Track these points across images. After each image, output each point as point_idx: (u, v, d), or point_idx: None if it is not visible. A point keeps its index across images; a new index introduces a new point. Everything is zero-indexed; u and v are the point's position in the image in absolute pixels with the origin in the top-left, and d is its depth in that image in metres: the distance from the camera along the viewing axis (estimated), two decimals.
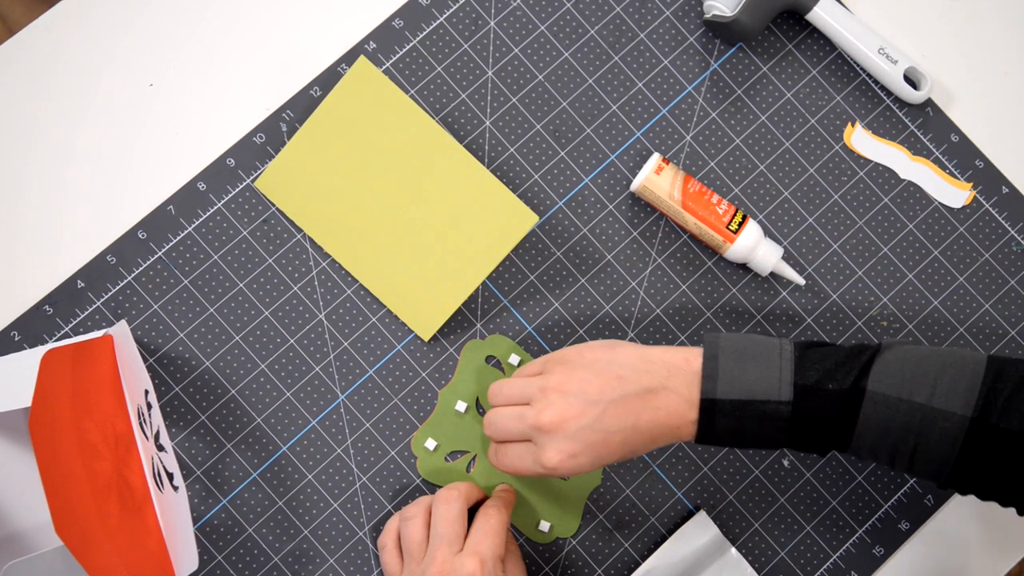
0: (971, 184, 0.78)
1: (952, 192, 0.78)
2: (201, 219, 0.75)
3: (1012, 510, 0.75)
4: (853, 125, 0.79)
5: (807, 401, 0.61)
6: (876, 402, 0.60)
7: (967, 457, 0.60)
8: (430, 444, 0.74)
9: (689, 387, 0.62)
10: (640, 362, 0.63)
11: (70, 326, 0.74)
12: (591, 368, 0.64)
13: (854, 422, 0.61)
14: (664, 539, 0.74)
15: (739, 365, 0.62)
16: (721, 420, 0.62)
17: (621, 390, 0.62)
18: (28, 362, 0.67)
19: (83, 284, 0.74)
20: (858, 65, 0.79)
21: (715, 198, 0.74)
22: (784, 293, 0.77)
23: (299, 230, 0.75)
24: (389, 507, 0.74)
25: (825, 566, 0.75)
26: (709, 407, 0.62)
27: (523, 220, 0.73)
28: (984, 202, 0.78)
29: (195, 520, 0.73)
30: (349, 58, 0.77)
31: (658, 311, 0.76)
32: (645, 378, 0.63)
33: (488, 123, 0.77)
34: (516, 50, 0.78)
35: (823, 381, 0.61)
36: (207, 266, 0.75)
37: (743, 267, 0.77)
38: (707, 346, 0.63)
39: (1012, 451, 0.59)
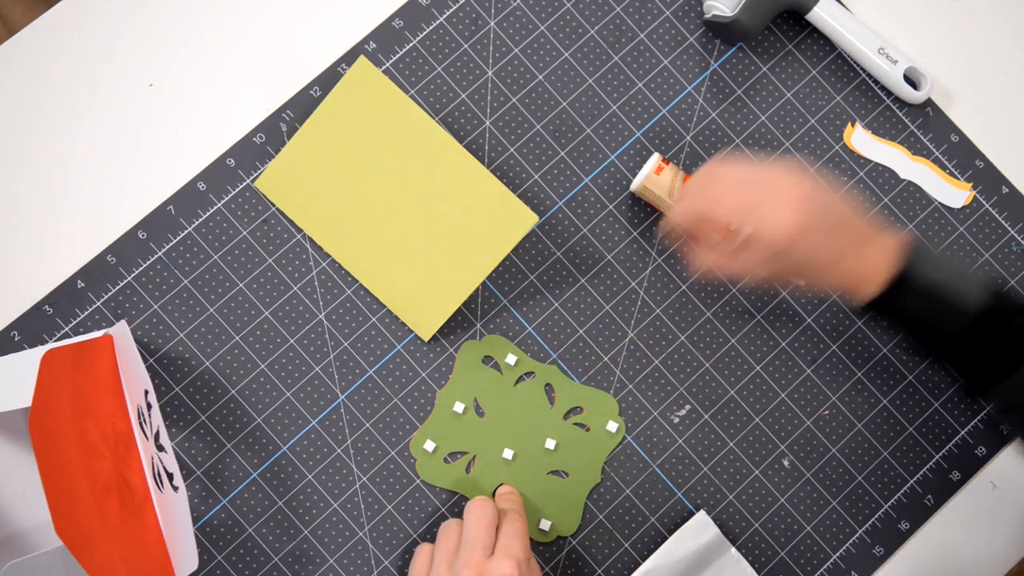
0: (971, 184, 0.78)
1: (952, 192, 0.78)
2: (201, 219, 0.75)
3: (1012, 511, 0.75)
4: (853, 125, 0.79)
5: (1006, 302, 0.65)
6: None
7: None
8: (429, 446, 0.74)
9: (887, 248, 0.67)
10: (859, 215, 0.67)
11: (70, 326, 0.74)
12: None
13: None
14: (664, 539, 0.74)
15: (936, 265, 0.66)
16: (918, 279, 0.65)
17: (848, 210, 0.67)
18: (28, 362, 0.67)
19: (83, 284, 0.74)
20: (858, 65, 0.79)
21: None
22: (784, 293, 0.77)
23: (299, 230, 0.75)
24: (389, 507, 0.74)
25: (825, 566, 0.75)
26: (907, 274, 0.65)
27: (523, 220, 0.73)
28: (984, 202, 0.78)
29: (195, 520, 0.73)
30: (349, 58, 0.77)
31: (658, 311, 0.76)
32: (862, 224, 0.66)
33: (488, 123, 0.77)
34: (516, 50, 0.78)
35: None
36: (207, 266, 0.75)
37: None
38: (905, 245, 0.66)
39: None
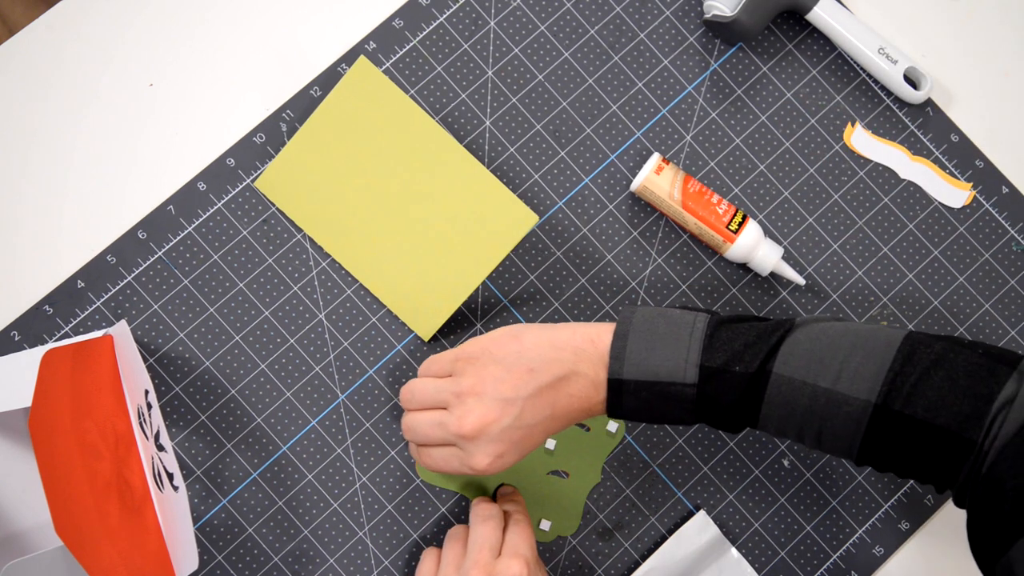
0: (971, 184, 0.78)
1: (952, 192, 0.78)
2: (201, 219, 0.75)
3: None
4: (853, 125, 0.79)
5: (712, 383, 0.61)
6: (780, 385, 0.61)
7: (873, 439, 0.60)
8: None
9: (596, 369, 0.63)
10: (549, 350, 0.63)
11: (70, 326, 0.74)
12: (501, 364, 0.63)
13: (759, 404, 0.62)
14: (664, 539, 0.74)
15: (647, 346, 0.62)
16: (628, 399, 0.62)
17: (535, 383, 0.62)
18: (28, 362, 0.67)
19: (83, 284, 0.74)
20: (858, 65, 0.79)
21: (715, 198, 0.74)
22: (784, 293, 0.77)
23: (299, 230, 0.75)
24: (389, 507, 0.74)
25: (825, 566, 0.75)
26: (616, 387, 0.62)
27: (523, 220, 0.73)
28: (984, 202, 0.78)
29: (195, 520, 0.73)
30: (349, 58, 0.77)
31: None
32: (556, 367, 0.63)
33: (488, 123, 0.77)
34: (516, 50, 0.78)
35: (730, 363, 0.61)
36: (207, 266, 0.75)
37: (743, 267, 0.77)
38: (619, 323, 0.63)
39: (917, 435, 0.59)
